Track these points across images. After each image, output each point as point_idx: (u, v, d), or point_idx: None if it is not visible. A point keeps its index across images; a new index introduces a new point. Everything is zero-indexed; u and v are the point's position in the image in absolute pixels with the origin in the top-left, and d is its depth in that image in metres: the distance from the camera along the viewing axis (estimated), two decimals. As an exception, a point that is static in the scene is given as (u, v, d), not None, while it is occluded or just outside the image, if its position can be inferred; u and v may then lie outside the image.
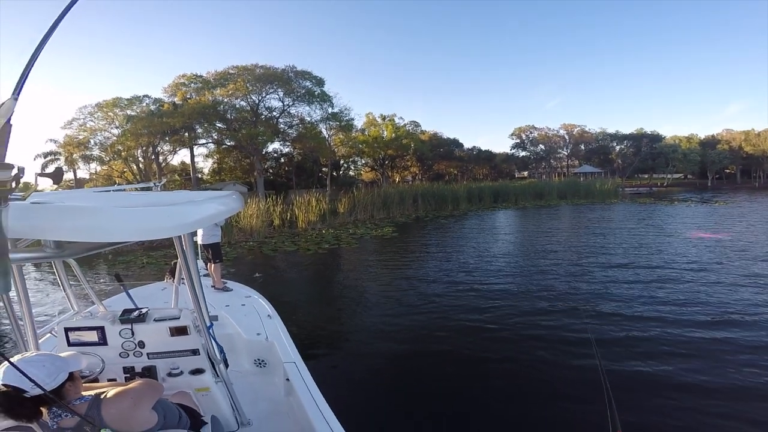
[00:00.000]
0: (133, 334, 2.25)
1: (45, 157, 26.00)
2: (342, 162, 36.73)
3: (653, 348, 4.91)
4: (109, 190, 2.65)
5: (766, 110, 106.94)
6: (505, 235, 15.84)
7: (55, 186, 2.83)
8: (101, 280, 9.60)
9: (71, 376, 1.40)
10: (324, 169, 27.31)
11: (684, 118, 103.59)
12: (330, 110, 27.78)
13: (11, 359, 1.25)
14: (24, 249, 1.39)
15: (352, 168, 39.62)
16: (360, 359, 5.03)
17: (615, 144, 53.26)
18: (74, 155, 25.40)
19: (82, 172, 28.08)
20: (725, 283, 7.74)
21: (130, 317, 2.26)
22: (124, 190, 4.02)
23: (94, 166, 27.74)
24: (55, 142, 26.19)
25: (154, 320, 2.28)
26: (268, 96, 26.49)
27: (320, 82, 27.00)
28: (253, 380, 3.09)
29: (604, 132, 52.72)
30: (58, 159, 26.05)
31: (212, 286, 4.82)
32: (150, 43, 76.52)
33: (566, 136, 52.09)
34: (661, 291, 7.33)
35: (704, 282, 7.91)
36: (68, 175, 26.54)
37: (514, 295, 7.59)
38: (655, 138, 50.52)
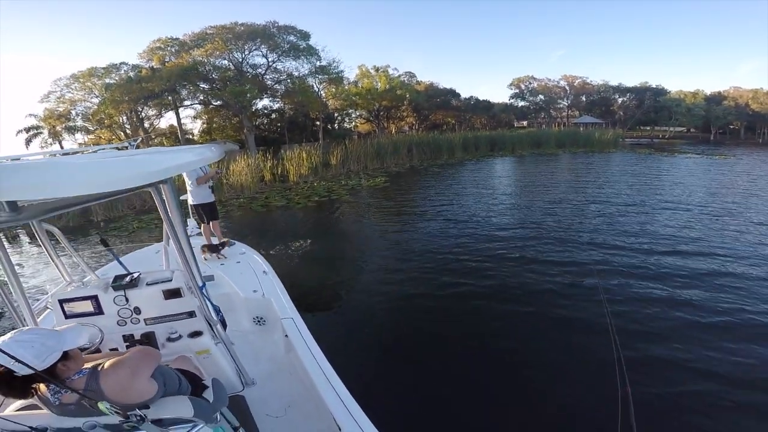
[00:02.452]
0: (127, 300, 2.17)
1: (27, 132, 25.42)
2: (336, 115, 35.74)
3: (661, 306, 4.76)
4: (82, 152, 2.48)
5: None
6: (497, 181, 15.87)
7: None
8: (99, 250, 9.57)
9: (65, 355, 1.31)
10: (318, 123, 26.51)
11: (693, 75, 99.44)
12: (318, 63, 26.57)
13: (5, 336, 1.23)
14: None
15: (347, 121, 38.54)
16: (355, 311, 5.02)
17: (617, 96, 51.94)
18: (57, 128, 24.91)
19: (69, 143, 27.60)
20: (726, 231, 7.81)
21: (122, 283, 2.17)
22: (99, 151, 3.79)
23: (80, 137, 27.15)
24: (35, 116, 25.59)
25: (147, 284, 2.20)
26: (251, 53, 25.41)
27: (305, 36, 25.72)
28: (253, 339, 3.08)
29: (607, 84, 51.22)
30: (41, 132, 25.52)
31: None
32: (120, 10, 71.22)
33: (567, 87, 50.53)
34: (666, 240, 7.33)
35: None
36: (55, 147, 26.15)
37: (507, 241, 7.62)
38: (660, 92, 48.98)
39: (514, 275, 5.86)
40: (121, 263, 2.89)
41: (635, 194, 12.24)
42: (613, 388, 1.69)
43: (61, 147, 26.75)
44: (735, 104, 45.01)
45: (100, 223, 12.33)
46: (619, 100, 52.00)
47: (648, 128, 51.42)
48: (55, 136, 25.55)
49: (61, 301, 2.12)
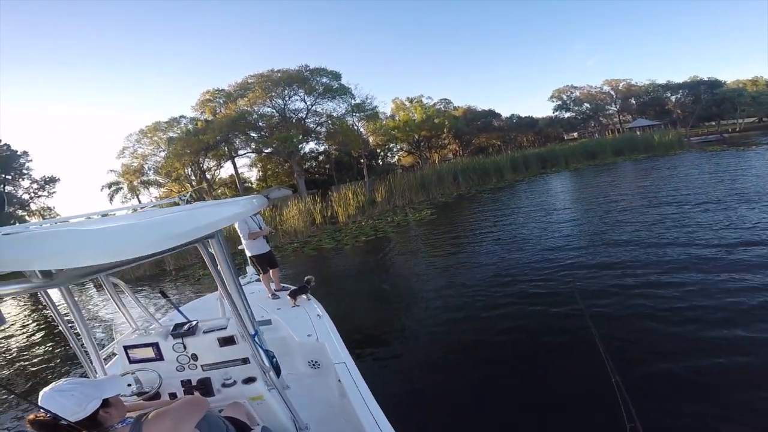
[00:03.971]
0: (185, 347, 2.28)
1: (109, 188, 28.41)
2: (379, 151, 36.64)
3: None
4: (134, 209, 2.71)
5: None
6: (553, 200, 14.72)
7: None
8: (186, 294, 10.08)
9: (106, 403, 1.39)
10: (362, 161, 27.34)
11: (741, 61, 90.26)
12: (353, 102, 27.70)
13: (47, 387, 1.33)
14: (6, 281, 1.33)
15: (389, 155, 39.33)
16: (406, 353, 4.80)
17: (669, 94, 48.74)
18: (134, 182, 27.78)
19: (145, 197, 30.87)
20: None
21: (181, 331, 2.30)
22: (147, 208, 4.19)
23: (154, 191, 30.26)
24: (114, 171, 28.59)
25: (203, 332, 2.30)
26: (291, 99, 27.12)
27: (336, 76, 27.10)
28: (308, 382, 3.13)
29: (654, 83, 48.47)
30: (122, 188, 28.37)
31: (275, 291, 4.93)
32: (165, 63, 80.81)
33: (612, 92, 48.34)
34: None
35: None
36: (134, 202, 29.30)
37: (570, 268, 6.72)
38: (715, 84, 45.51)
39: (575, 325, 4.64)
40: (180, 312, 2.98)
41: (720, 194, 10.11)
42: None
43: (139, 201, 29.93)
44: None
45: (172, 272, 13.35)
46: (673, 98, 48.65)
47: (713, 123, 47.20)
48: (133, 190, 28.32)
49: (126, 348, 2.28)
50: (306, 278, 4.38)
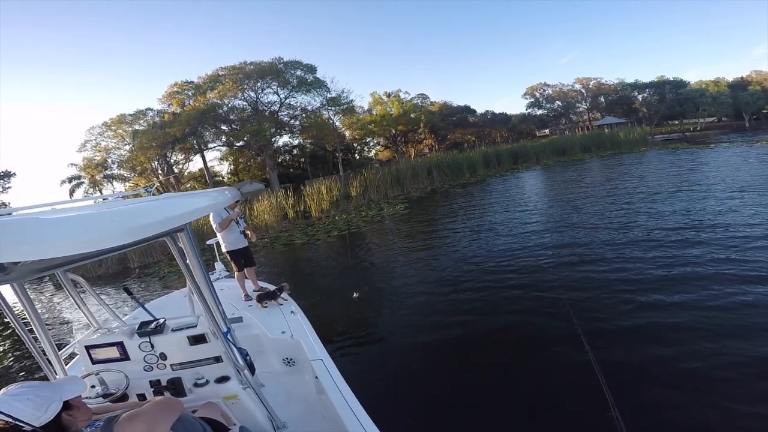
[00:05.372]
0: (152, 346, 2.19)
1: (70, 182, 26.99)
2: (355, 145, 36.39)
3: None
4: (106, 199, 2.56)
5: None
6: (523, 196, 15.15)
7: None
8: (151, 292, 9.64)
9: (68, 405, 1.30)
10: (337, 154, 27.04)
11: (706, 62, 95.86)
12: (328, 95, 27.30)
13: None
14: None
15: (365, 150, 39.16)
16: (383, 348, 4.83)
17: (637, 93, 50.90)
18: (96, 177, 26.42)
19: (109, 191, 29.34)
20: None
21: (148, 330, 2.21)
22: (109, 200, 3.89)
23: (119, 185, 28.85)
24: (75, 165, 27.17)
25: (172, 330, 2.22)
26: (264, 91, 26.43)
27: (311, 69, 26.62)
28: (284, 380, 3.07)
29: (623, 82, 50.32)
30: (83, 182, 27.00)
31: (254, 291, 4.62)
32: (135, 54, 77.10)
33: (583, 90, 49.93)
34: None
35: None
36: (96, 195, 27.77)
37: (529, 269, 6.84)
38: (679, 84, 47.75)
39: (552, 305, 5.17)
40: (146, 310, 2.89)
41: (676, 191, 10.80)
42: None
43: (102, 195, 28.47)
44: (761, 88, 43.22)
45: (136, 269, 12.79)
46: (640, 97, 50.72)
47: (676, 122, 49.63)
48: (95, 185, 26.91)
49: (88, 347, 2.17)
50: (281, 284, 4.15)
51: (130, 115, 26.25)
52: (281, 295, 4.02)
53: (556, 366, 3.88)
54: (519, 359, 4.13)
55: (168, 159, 27.10)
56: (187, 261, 1.81)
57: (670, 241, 7.09)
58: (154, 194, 2.39)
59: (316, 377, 2.64)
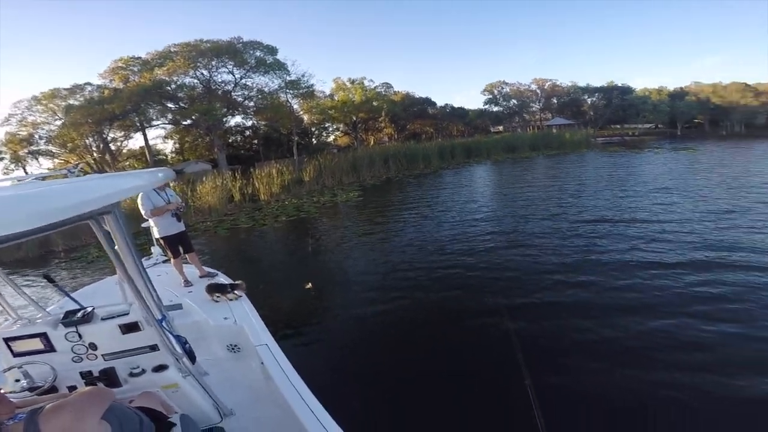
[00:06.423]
0: (80, 336, 2.06)
1: None
2: (314, 129, 35.61)
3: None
4: (22, 180, 2.26)
5: (741, 63, 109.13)
6: (470, 189, 15.85)
7: None
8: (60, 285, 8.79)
9: None
10: (294, 138, 26.32)
11: (658, 71, 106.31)
12: (288, 78, 26.41)
13: None
14: None
15: (324, 134, 38.44)
16: (330, 333, 4.86)
17: (587, 97, 53.96)
18: (19, 152, 23.94)
19: (33, 168, 26.56)
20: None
21: (74, 319, 2.07)
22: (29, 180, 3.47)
23: (46, 161, 26.17)
24: None
25: (102, 319, 2.10)
26: (218, 70, 25.15)
27: (272, 51, 25.65)
28: (229, 367, 3.03)
29: (576, 85, 53.19)
30: (3, 158, 24.52)
31: (200, 277, 4.36)
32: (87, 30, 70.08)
33: (538, 91, 52.20)
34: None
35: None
36: (19, 173, 25.12)
37: (468, 255, 7.42)
38: (626, 90, 51.25)
39: (488, 287, 5.76)
40: (71, 298, 2.71)
41: (610, 194, 12.21)
42: None
43: (25, 172, 25.75)
44: (697, 99, 47.29)
45: (61, 253, 11.68)
46: (589, 101, 53.94)
47: (618, 126, 53.44)
48: (18, 161, 24.64)
49: (6, 340, 2.03)
50: (236, 282, 3.81)
51: (66, 89, 23.79)
52: (235, 291, 3.71)
53: (485, 338, 4.32)
54: (454, 335, 4.46)
55: (104, 136, 24.97)
56: (116, 246, 1.70)
57: (589, 230, 8.23)
58: (78, 175, 2.23)
59: (262, 363, 2.62)
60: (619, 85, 52.17)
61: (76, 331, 2.05)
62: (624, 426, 3.00)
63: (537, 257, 6.77)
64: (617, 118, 52.33)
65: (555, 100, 53.14)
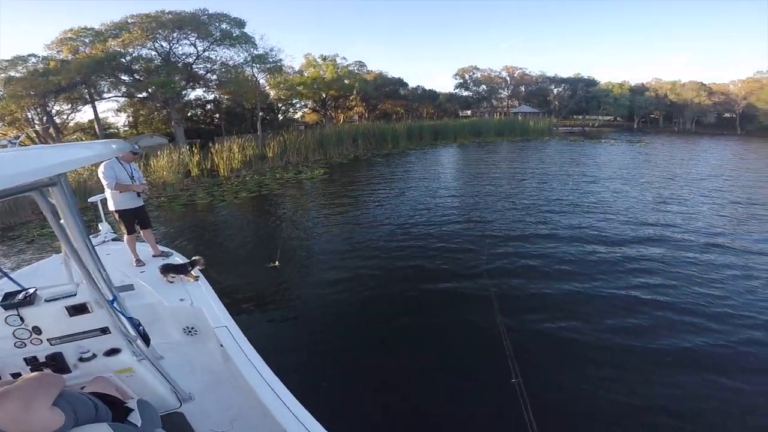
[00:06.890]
0: (22, 319, 1.93)
1: None
2: (280, 105, 34.34)
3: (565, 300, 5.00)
4: None
5: (708, 63, 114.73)
6: (435, 171, 16.20)
7: None
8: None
9: None
10: (258, 113, 25.33)
11: (630, 66, 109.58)
12: (254, 52, 25.15)
13: None
14: None
15: (291, 111, 37.22)
16: (292, 313, 4.79)
17: (553, 87, 55.30)
18: None
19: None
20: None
21: (14, 301, 1.93)
22: None
23: (-22, 135, 23.54)
24: None
25: (46, 301, 1.97)
26: (179, 42, 23.52)
27: (240, 24, 24.26)
28: (186, 350, 2.94)
29: (544, 75, 54.39)
30: None
31: (153, 256, 4.18)
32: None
33: (508, 78, 52.90)
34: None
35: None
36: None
37: (431, 236, 7.69)
38: (591, 83, 52.84)
39: (450, 260, 6.15)
40: (11, 278, 2.51)
41: (567, 181, 13.22)
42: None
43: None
44: (656, 95, 49.60)
45: (-5, 231, 10.74)
46: (555, 91, 55.46)
47: (580, 117, 55.42)
48: None
49: None
50: (193, 258, 3.58)
51: (6, 60, 21.33)
52: (192, 271, 3.49)
53: (451, 306, 4.60)
54: (419, 311, 4.55)
55: (49, 109, 22.88)
56: (62, 221, 1.58)
57: (545, 210, 9.29)
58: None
59: (221, 345, 2.55)
60: (585, 77, 53.90)
61: (18, 314, 1.93)
62: (619, 423, 3.00)
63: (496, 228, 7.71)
64: (580, 109, 54.08)
65: (523, 89, 54.05)
